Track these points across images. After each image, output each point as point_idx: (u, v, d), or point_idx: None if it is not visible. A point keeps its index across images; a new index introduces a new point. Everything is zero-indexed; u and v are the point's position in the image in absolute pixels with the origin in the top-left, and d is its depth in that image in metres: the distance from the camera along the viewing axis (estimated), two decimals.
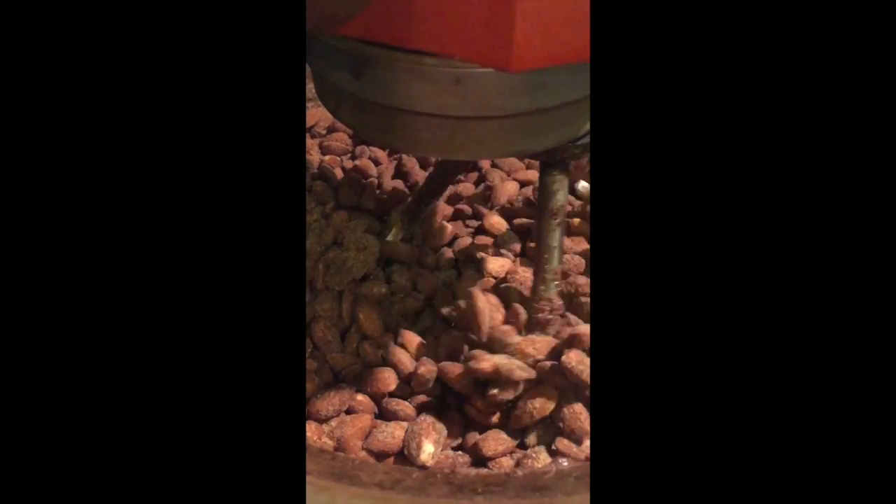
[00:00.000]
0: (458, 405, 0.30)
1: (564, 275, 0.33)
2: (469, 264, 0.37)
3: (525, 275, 0.34)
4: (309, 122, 0.49)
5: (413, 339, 0.32)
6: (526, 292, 0.32)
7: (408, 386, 0.31)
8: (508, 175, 0.42)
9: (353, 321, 0.33)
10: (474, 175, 0.42)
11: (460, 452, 0.29)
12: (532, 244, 0.37)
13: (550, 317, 0.30)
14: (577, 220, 0.38)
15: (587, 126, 0.29)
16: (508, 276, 0.35)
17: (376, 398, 0.30)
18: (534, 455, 0.28)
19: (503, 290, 0.33)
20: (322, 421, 0.29)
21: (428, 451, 0.28)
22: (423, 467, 0.28)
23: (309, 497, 0.20)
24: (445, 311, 0.33)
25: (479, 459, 0.28)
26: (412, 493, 0.23)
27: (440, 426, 0.29)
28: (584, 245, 0.37)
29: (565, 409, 0.28)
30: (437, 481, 0.26)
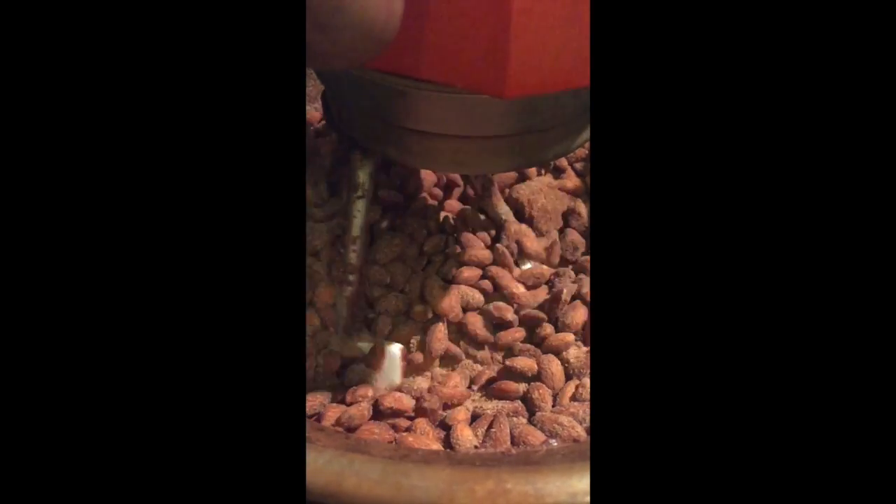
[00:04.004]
0: None
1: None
2: None
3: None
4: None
5: None
6: None
7: None
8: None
9: None
10: None
11: None
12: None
13: (350, 277, 0.35)
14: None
15: (578, 142, 0.32)
16: None
17: None
18: None
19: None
20: None
21: None
22: None
23: (330, 459, 0.23)
24: None
25: None
26: (418, 464, 0.26)
27: None
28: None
29: None
30: (439, 457, 0.29)
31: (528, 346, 0.35)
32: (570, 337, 0.35)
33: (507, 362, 0.34)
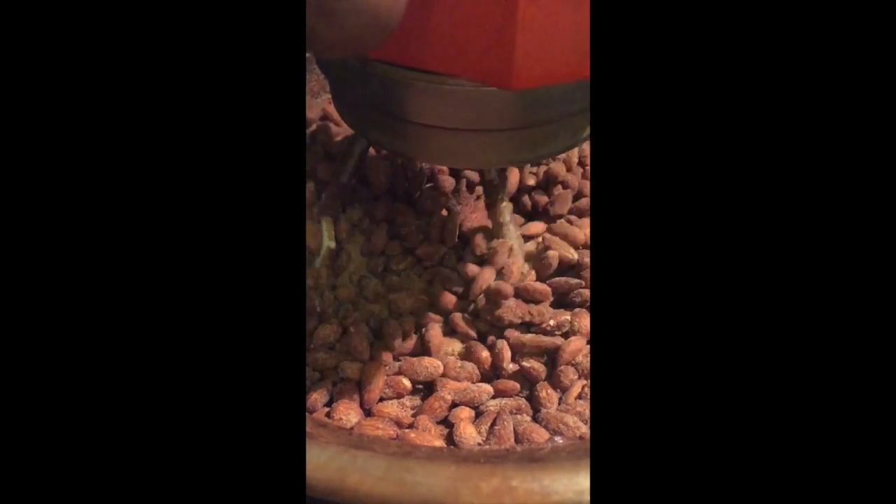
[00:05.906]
0: None
1: None
2: None
3: None
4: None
5: None
6: None
7: None
8: None
9: None
10: None
11: None
12: None
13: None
14: None
15: (582, 136, 0.31)
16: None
17: None
18: None
19: None
20: None
21: None
22: None
23: (333, 456, 0.23)
24: None
25: None
26: (421, 461, 0.26)
27: None
28: None
29: None
30: (443, 454, 0.29)
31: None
32: (581, 341, 0.34)
33: (518, 360, 0.34)
